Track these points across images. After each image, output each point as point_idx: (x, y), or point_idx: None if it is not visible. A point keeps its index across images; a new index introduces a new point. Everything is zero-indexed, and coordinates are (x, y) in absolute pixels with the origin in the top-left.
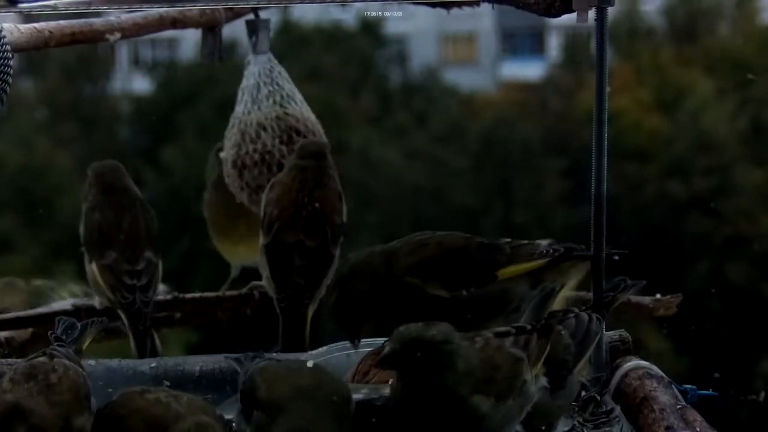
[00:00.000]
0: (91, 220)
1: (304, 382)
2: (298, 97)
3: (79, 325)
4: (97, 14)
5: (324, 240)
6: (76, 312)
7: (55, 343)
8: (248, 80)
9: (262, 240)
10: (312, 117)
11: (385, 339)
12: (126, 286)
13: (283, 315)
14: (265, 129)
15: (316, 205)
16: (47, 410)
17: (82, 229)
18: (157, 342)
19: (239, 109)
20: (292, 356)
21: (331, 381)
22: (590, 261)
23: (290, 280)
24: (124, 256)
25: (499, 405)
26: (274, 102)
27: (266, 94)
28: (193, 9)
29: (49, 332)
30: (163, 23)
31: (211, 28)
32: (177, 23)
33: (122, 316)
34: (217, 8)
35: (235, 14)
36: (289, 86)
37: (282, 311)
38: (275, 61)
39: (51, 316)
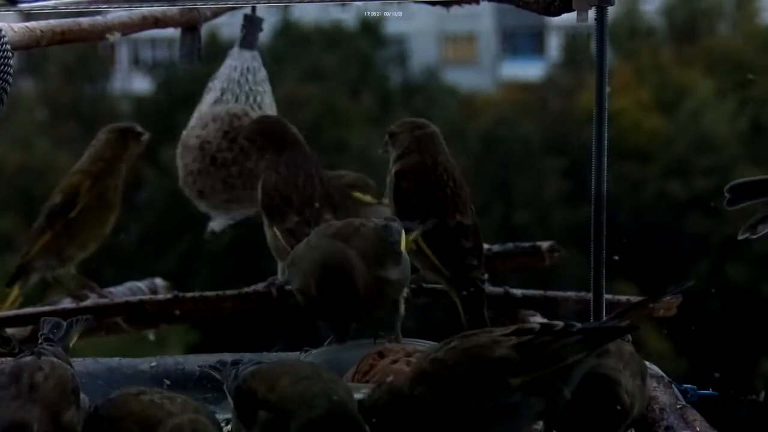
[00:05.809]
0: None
1: (305, 372)
2: (267, 102)
3: (64, 323)
4: (93, 14)
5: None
6: (80, 310)
7: (44, 342)
8: (223, 70)
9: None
10: None
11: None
12: None
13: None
14: (214, 120)
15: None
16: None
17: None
18: None
19: (206, 96)
20: (291, 356)
21: (328, 372)
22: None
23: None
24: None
25: None
26: (237, 100)
27: (234, 90)
28: (173, 9)
29: (39, 332)
30: (146, 23)
31: (190, 28)
32: (159, 23)
33: None
34: (196, 7)
35: (213, 14)
36: (261, 89)
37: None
38: (254, 63)
39: (52, 315)
